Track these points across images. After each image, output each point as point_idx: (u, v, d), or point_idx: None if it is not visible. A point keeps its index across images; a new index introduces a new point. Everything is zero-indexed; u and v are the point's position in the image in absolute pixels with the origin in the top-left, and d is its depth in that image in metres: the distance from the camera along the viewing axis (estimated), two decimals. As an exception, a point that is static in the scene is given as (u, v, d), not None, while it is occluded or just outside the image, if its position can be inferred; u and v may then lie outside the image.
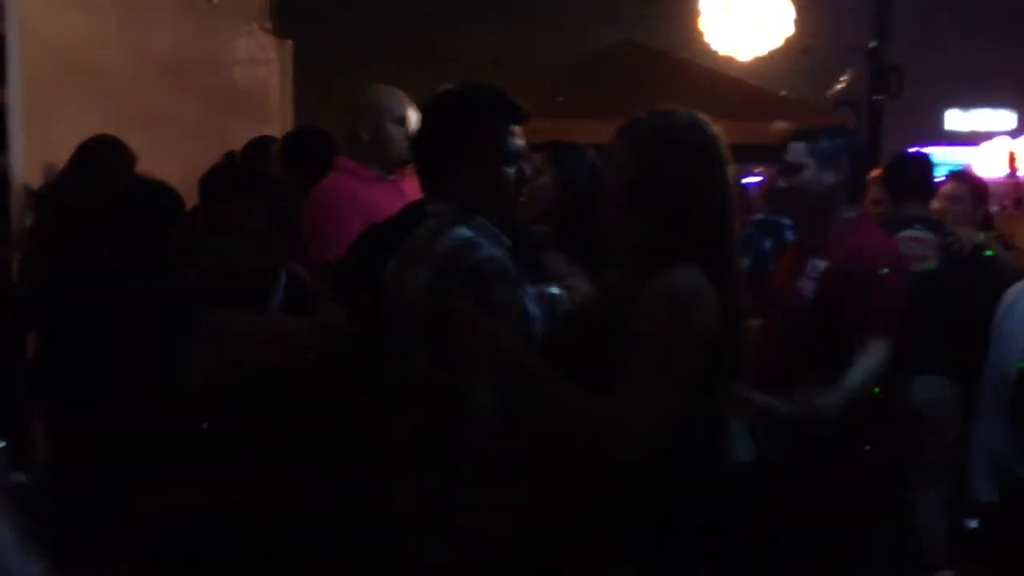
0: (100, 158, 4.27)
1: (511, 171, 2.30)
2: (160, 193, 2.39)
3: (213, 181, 3.55)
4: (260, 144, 5.29)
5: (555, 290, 2.55)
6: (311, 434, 2.39)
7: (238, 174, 2.63)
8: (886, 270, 3.15)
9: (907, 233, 4.29)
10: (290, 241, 2.48)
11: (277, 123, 9.08)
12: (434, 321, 2.13)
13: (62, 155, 4.49)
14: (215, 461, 2.23)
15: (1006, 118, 20.14)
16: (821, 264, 3.16)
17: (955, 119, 21.08)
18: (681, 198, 2.13)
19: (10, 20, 4.31)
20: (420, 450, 2.22)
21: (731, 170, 2.22)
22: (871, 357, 3.06)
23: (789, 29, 8.82)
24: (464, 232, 2.22)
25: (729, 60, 9.25)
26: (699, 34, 9.03)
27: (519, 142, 2.33)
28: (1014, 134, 17.44)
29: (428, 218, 2.33)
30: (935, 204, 4.67)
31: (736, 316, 2.17)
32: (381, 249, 2.42)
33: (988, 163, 13.45)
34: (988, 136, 18.57)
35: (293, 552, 2.28)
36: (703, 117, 2.22)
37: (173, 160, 5.80)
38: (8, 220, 4.28)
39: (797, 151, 3.25)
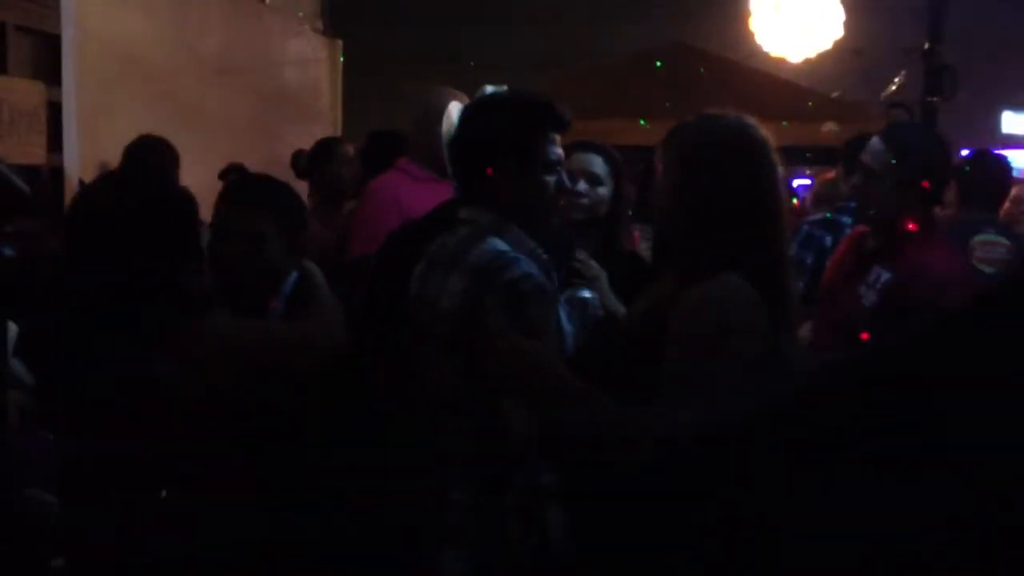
0: (142, 159, 4.34)
1: (551, 180, 2.27)
2: (171, 199, 2.38)
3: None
4: (326, 145, 5.35)
5: (587, 294, 2.55)
6: (312, 437, 2.38)
7: (242, 180, 2.65)
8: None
9: (981, 238, 4.15)
10: (299, 246, 2.48)
11: (328, 122, 9.15)
12: (466, 335, 2.09)
13: (117, 154, 4.57)
14: (217, 464, 2.22)
15: (1064, 120, 19.74)
16: (885, 275, 3.01)
17: (1012, 121, 20.71)
18: (727, 203, 2.09)
19: (66, 21, 4.38)
20: (444, 460, 2.21)
21: (780, 174, 2.16)
22: None
23: (839, 31, 8.73)
24: (499, 244, 2.17)
25: (780, 62, 9.17)
26: (750, 35, 8.96)
27: (559, 151, 2.30)
28: (1072, 136, 17.10)
29: (460, 223, 2.27)
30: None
31: (786, 323, 2.11)
32: (410, 249, 2.42)
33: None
34: (1046, 138, 18.12)
35: (301, 558, 2.26)
36: (751, 120, 2.17)
37: (224, 159, 5.87)
38: (63, 218, 4.35)
39: (879, 154, 3.09)
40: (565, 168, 2.86)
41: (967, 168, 4.34)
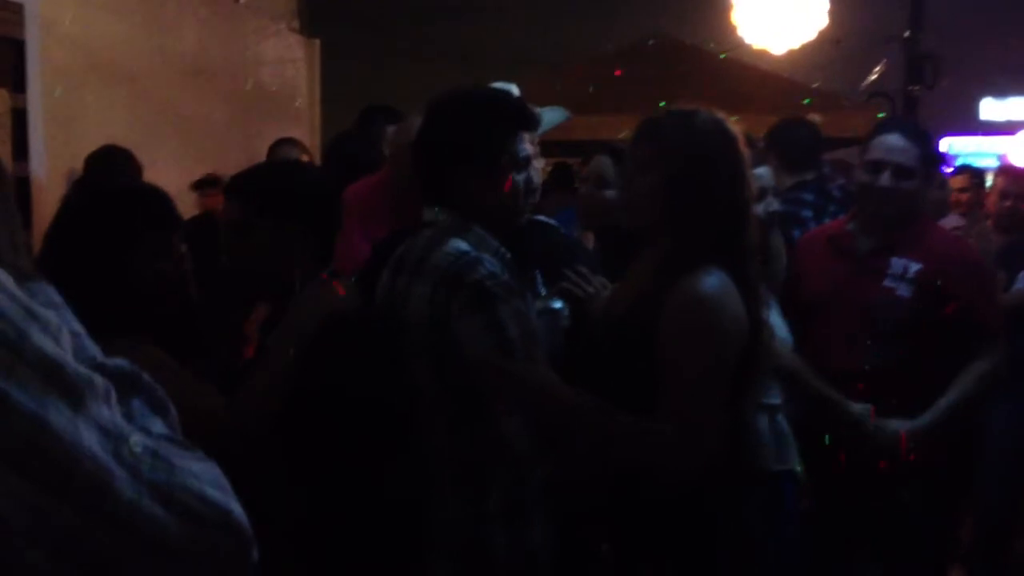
0: (106, 168, 4.23)
1: (520, 179, 2.22)
2: (130, 198, 2.23)
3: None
4: (273, 148, 5.20)
5: (558, 304, 2.48)
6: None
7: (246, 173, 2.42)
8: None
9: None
10: (303, 244, 2.23)
11: (305, 123, 9.06)
12: (436, 339, 2.06)
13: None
14: None
15: (1042, 107, 19.82)
16: (913, 265, 3.06)
17: (990, 108, 20.79)
18: (710, 198, 2.11)
19: (30, 24, 4.28)
20: (428, 468, 2.14)
21: (750, 167, 2.19)
22: (982, 369, 3.04)
23: (823, 21, 8.70)
24: (461, 245, 2.12)
25: (762, 53, 9.14)
26: (732, 27, 8.92)
27: (529, 149, 2.25)
28: (1051, 123, 17.18)
29: (424, 227, 2.22)
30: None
31: (759, 317, 2.15)
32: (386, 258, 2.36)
33: (1022, 153, 13.21)
34: (1024, 125, 18.19)
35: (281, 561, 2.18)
36: (724, 116, 2.19)
37: (200, 162, 5.78)
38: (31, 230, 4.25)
39: (909, 154, 3.09)
40: (584, 173, 2.81)
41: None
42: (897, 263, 3.07)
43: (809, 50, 9.18)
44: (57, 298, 0.97)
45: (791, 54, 9.12)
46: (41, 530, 0.80)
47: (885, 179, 3.07)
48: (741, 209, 2.14)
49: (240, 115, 7.65)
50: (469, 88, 2.34)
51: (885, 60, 10.69)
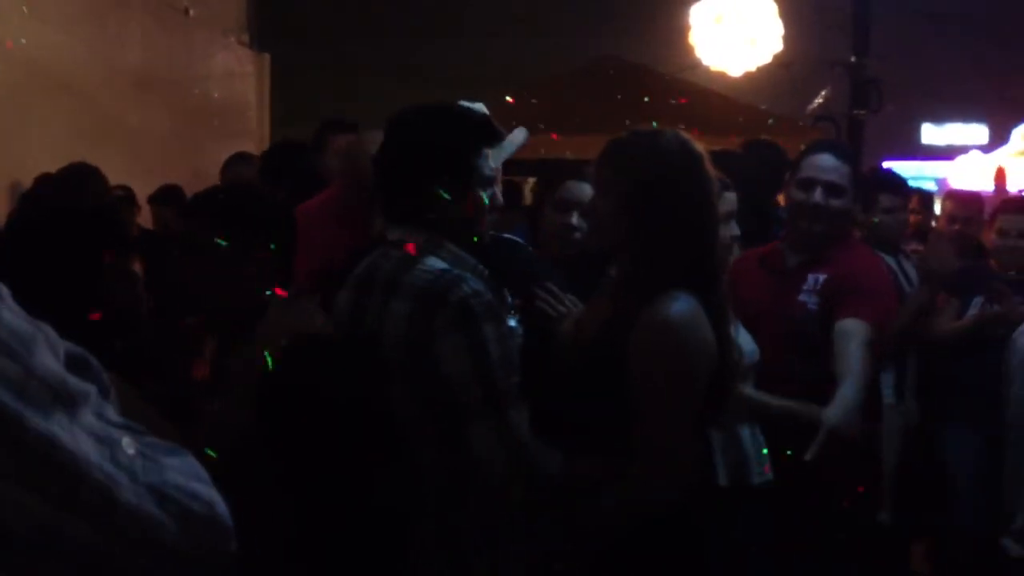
0: (75, 185, 4.14)
1: (486, 195, 2.19)
2: (78, 219, 2.17)
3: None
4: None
5: (511, 323, 2.45)
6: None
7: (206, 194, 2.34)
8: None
9: None
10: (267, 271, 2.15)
11: (254, 137, 8.97)
12: (414, 357, 2.02)
13: (32, 174, 4.37)
14: None
15: (978, 132, 20.34)
16: (822, 277, 3.13)
17: (931, 133, 21.26)
18: (677, 221, 2.09)
19: (-26, 34, 4.19)
20: (405, 488, 2.11)
21: (716, 189, 2.17)
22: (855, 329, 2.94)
23: (778, 45, 8.80)
24: (439, 263, 2.07)
25: (718, 76, 9.23)
26: (689, 48, 8.99)
27: (493, 165, 2.23)
28: (986, 148, 17.60)
29: (390, 245, 2.15)
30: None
31: (727, 339, 2.15)
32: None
33: (964, 178, 13.51)
34: (964, 150, 18.70)
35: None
36: (688, 136, 2.18)
37: (146, 176, 5.69)
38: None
39: (840, 173, 3.17)
40: (557, 198, 2.75)
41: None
42: (811, 277, 3.14)
43: (757, 74, 9.29)
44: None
45: (740, 78, 9.23)
46: (54, 544, 0.82)
47: (817, 196, 3.14)
48: (707, 231, 2.13)
49: (187, 128, 7.56)
50: (435, 104, 2.29)
51: (830, 85, 10.87)
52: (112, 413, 0.90)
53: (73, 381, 0.85)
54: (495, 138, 2.20)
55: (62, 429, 0.82)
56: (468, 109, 2.27)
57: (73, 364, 0.90)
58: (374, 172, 2.24)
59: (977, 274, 4.09)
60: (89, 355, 0.93)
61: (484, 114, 2.23)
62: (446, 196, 2.11)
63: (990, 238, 4.23)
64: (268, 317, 2.05)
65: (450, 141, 2.13)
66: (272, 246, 2.08)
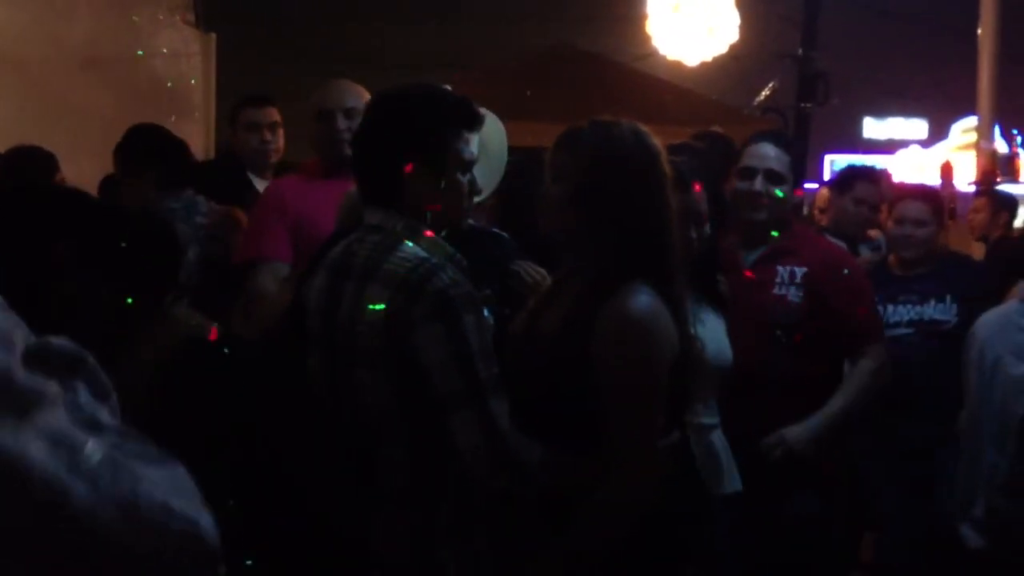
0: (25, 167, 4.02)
1: (465, 180, 2.15)
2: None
3: None
4: None
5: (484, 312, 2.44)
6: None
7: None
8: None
9: None
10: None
11: (200, 118, 8.81)
12: (391, 347, 1.99)
13: (-27, 151, 4.25)
14: None
15: (918, 127, 20.69)
16: (799, 270, 3.18)
17: (871, 127, 21.59)
18: (629, 213, 2.09)
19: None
20: (375, 481, 2.08)
21: (670, 181, 2.16)
22: (869, 368, 3.19)
23: (734, 36, 8.85)
24: (417, 251, 2.05)
25: (673, 65, 9.27)
26: (647, 37, 9.01)
27: (473, 150, 2.18)
28: (925, 143, 17.91)
29: (367, 229, 2.13)
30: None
31: (687, 332, 2.15)
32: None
33: (903, 171, 13.73)
34: (904, 144, 19.04)
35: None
36: (643, 128, 2.17)
37: (92, 156, 5.55)
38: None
39: (781, 161, 3.25)
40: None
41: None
42: (782, 270, 3.19)
43: (710, 64, 9.35)
44: None
45: (690, 68, 9.28)
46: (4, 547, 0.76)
47: (758, 183, 3.19)
48: (660, 223, 2.11)
49: (133, 108, 7.37)
50: (414, 84, 2.25)
51: (777, 78, 10.98)
52: (105, 415, 0.85)
53: (23, 379, 0.79)
54: (475, 121, 2.15)
55: (2, 429, 0.76)
56: (447, 91, 2.23)
57: (66, 360, 0.86)
58: (352, 152, 2.18)
59: None
60: (84, 352, 0.88)
61: (464, 96, 2.19)
62: (426, 178, 2.07)
63: (888, 225, 4.29)
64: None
65: (427, 121, 2.09)
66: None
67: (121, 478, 0.80)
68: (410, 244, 2.06)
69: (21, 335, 0.84)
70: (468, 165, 2.15)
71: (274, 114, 4.29)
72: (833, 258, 3.34)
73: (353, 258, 2.11)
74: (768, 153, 3.24)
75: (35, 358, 0.84)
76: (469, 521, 2.06)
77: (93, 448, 0.80)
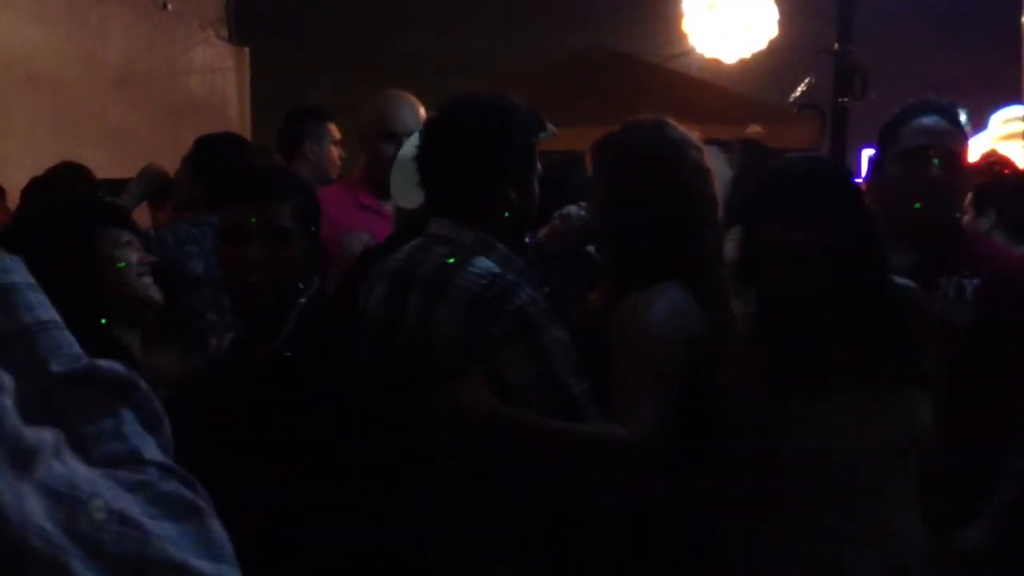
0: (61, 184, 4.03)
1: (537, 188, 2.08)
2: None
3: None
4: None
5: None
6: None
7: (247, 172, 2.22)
8: None
9: None
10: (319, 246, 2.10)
11: (235, 132, 8.87)
12: (468, 365, 1.89)
13: (13, 171, 4.27)
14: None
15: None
16: (973, 283, 2.72)
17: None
18: (650, 212, 2.03)
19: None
20: (437, 498, 2.03)
21: (705, 171, 2.09)
22: None
23: (773, 31, 8.72)
24: (490, 266, 1.95)
25: (711, 63, 9.16)
26: (682, 36, 8.91)
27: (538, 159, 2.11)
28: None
29: (432, 240, 2.04)
30: None
31: (723, 326, 2.04)
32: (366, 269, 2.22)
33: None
34: (946, 136, 18.63)
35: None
36: (670, 122, 2.11)
37: (128, 173, 5.58)
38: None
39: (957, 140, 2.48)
40: None
41: None
42: (950, 282, 2.44)
43: (746, 61, 9.23)
44: (29, 278, 0.83)
45: (725, 66, 9.17)
46: None
47: (935, 170, 2.45)
48: (691, 220, 2.05)
49: (168, 124, 7.45)
50: (480, 94, 2.16)
51: (813, 73, 10.84)
52: (150, 448, 0.79)
53: (12, 428, 0.70)
54: (544, 129, 2.08)
55: (8, 488, 0.68)
56: (516, 99, 2.10)
57: (115, 386, 0.79)
58: (419, 164, 2.09)
59: None
60: (136, 378, 0.81)
61: (532, 105, 2.12)
62: (507, 191, 2.00)
63: None
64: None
65: (512, 133, 2.00)
66: None
67: (128, 538, 0.73)
68: (481, 258, 1.97)
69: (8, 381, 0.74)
70: (541, 175, 2.09)
71: None
72: (1011, 266, 2.56)
73: (417, 269, 2.02)
74: (942, 129, 2.47)
75: (83, 381, 0.79)
76: (528, 541, 1.99)
77: (100, 503, 0.72)
